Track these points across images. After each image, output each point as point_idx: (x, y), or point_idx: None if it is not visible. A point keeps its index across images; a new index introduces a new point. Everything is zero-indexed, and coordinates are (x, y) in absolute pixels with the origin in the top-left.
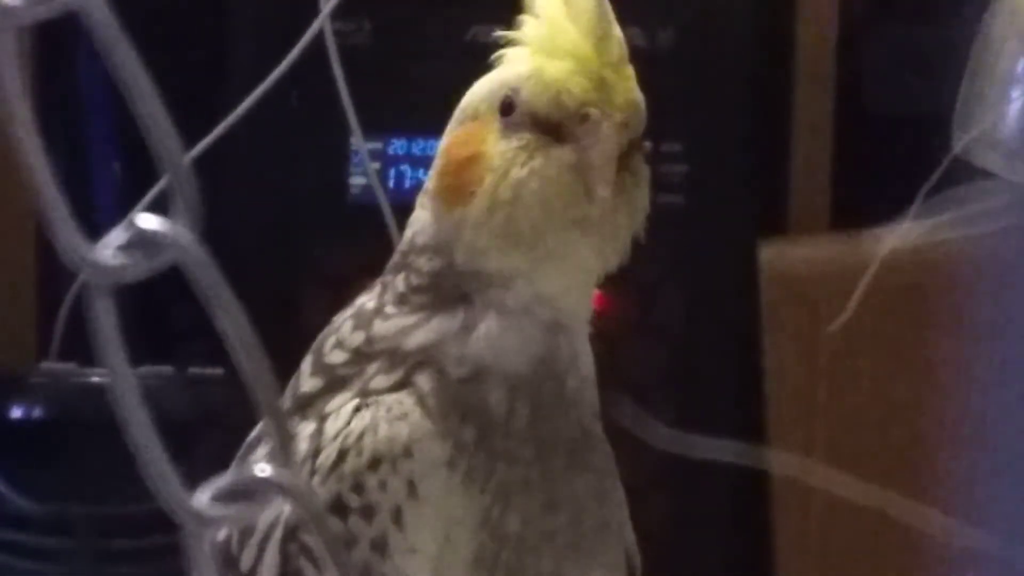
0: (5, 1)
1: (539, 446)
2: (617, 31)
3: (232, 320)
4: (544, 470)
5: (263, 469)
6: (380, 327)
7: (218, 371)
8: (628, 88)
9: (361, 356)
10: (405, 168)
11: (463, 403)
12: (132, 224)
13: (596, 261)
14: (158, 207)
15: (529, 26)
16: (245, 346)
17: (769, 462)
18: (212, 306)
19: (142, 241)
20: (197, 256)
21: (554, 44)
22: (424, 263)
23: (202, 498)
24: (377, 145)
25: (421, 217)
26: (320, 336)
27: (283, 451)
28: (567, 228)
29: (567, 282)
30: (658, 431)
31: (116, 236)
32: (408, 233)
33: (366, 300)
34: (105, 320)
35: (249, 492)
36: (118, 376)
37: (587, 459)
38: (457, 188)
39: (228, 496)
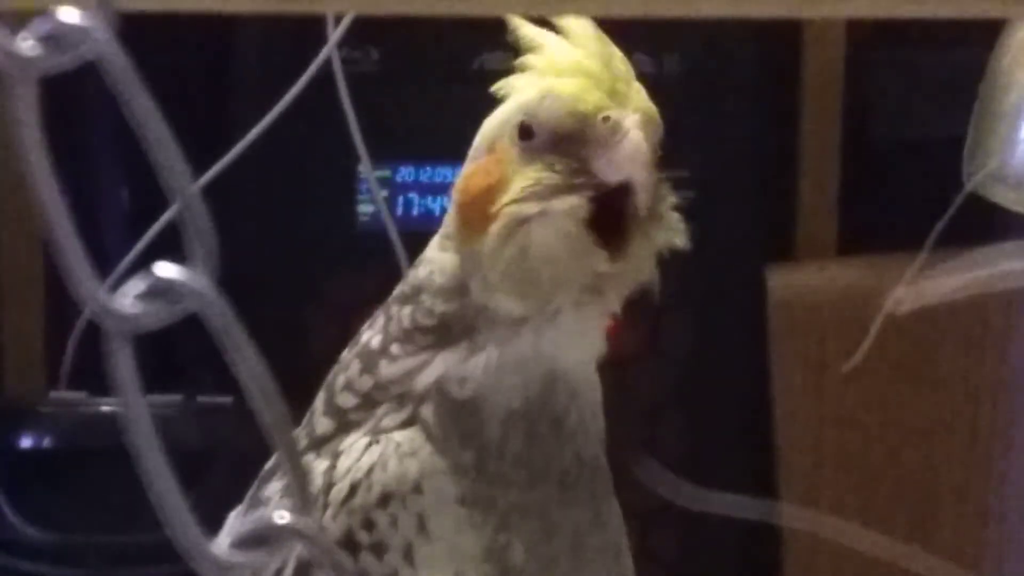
0: (24, 52)
1: (532, 472)
2: (618, 51)
3: (251, 368)
4: (537, 496)
5: (283, 516)
6: (387, 370)
7: (227, 400)
8: (642, 98)
9: (371, 401)
10: (413, 196)
11: (462, 427)
12: (151, 272)
13: (604, 313)
14: (168, 240)
15: (532, 57)
16: (264, 395)
17: (785, 519)
18: (231, 353)
19: (161, 289)
20: (216, 304)
21: (562, 65)
22: (438, 304)
23: (221, 544)
24: (385, 172)
25: (440, 259)
26: (331, 373)
27: (301, 497)
28: (577, 286)
29: (572, 337)
30: (675, 485)
31: (135, 284)
32: (422, 271)
33: (370, 335)
34: (124, 368)
35: (268, 538)
36: (139, 427)
37: (582, 489)
38: (476, 220)
39: (247, 542)
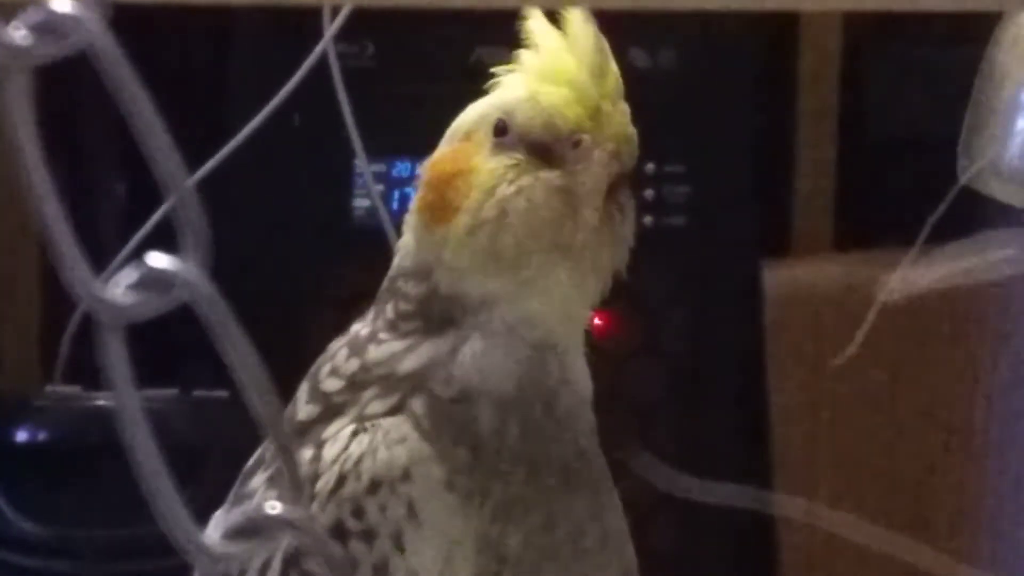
0: (16, 41)
1: (531, 465)
2: (614, 67)
3: (243, 358)
4: (538, 489)
5: (273, 506)
6: (373, 353)
7: (223, 393)
8: (622, 121)
9: (356, 383)
10: (409, 190)
11: (455, 424)
12: (143, 263)
13: (577, 289)
14: (162, 234)
15: (528, 55)
16: (256, 385)
17: (782, 510)
18: (222, 343)
19: (153, 279)
20: (208, 294)
21: (552, 72)
22: (411, 288)
23: (213, 535)
24: (381, 167)
25: (405, 241)
26: (316, 363)
27: (292, 487)
28: (550, 252)
29: (548, 306)
30: (670, 477)
31: (127, 274)
32: (396, 259)
33: (360, 327)
34: (116, 358)
35: (260, 529)
36: (130, 417)
37: (582, 477)
38: (441, 205)
39: (239, 533)
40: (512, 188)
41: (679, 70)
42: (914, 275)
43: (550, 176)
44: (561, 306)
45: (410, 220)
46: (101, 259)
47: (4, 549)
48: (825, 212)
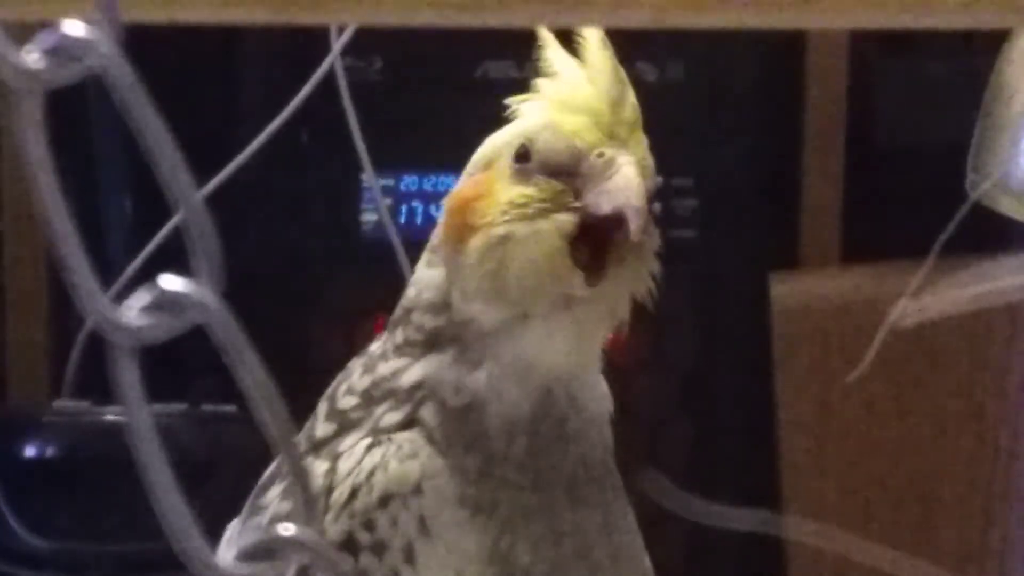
0: (29, 65)
1: (537, 476)
2: (632, 97)
3: (257, 380)
4: (543, 499)
5: (287, 528)
6: (382, 368)
7: (231, 408)
8: (640, 147)
9: (369, 399)
10: (416, 204)
11: (465, 432)
12: (156, 285)
13: (593, 323)
14: (172, 250)
15: (547, 83)
16: (270, 407)
17: (789, 532)
18: (236, 365)
19: (167, 302)
20: (222, 317)
21: (571, 100)
22: (428, 320)
23: (226, 557)
24: (388, 181)
25: (426, 275)
26: (335, 382)
27: (305, 507)
28: (554, 298)
29: (553, 344)
30: (680, 498)
31: (140, 296)
32: (411, 291)
33: (375, 347)
34: (130, 379)
35: (273, 550)
36: (144, 438)
37: (589, 494)
38: (462, 227)
39: (252, 554)
40: (525, 230)
41: (687, 83)
42: (925, 300)
43: (565, 218)
44: (574, 341)
45: (430, 257)
46: (112, 276)
47: (13, 564)
48: (833, 225)
